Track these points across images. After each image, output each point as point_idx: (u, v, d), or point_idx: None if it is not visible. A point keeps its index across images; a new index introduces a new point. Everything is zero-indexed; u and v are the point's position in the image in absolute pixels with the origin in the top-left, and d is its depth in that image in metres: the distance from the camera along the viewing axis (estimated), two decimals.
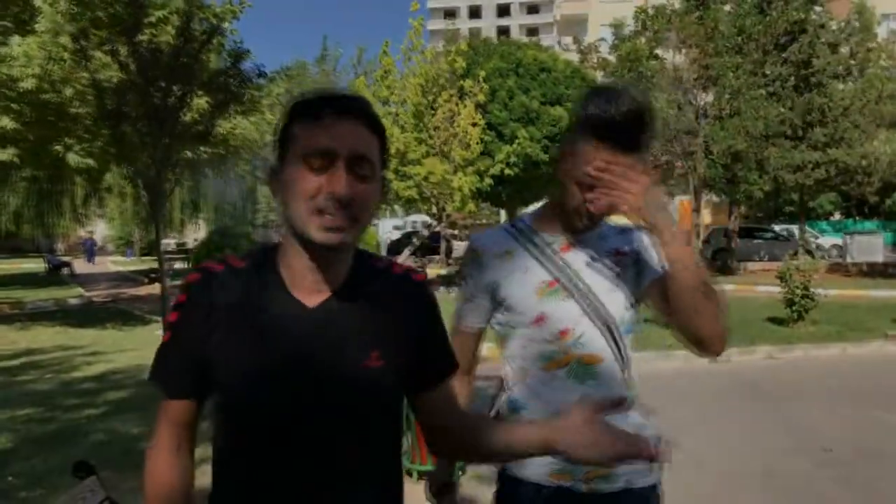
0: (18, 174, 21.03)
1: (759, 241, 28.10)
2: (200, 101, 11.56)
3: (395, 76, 17.32)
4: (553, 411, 1.64)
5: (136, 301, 17.47)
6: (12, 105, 10.59)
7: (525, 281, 1.70)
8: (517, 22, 74.84)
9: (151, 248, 24.27)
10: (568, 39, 35.77)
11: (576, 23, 53.57)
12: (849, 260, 25.70)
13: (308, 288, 1.22)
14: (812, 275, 11.01)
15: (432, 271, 22.68)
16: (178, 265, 24.57)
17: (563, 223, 1.72)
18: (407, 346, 1.27)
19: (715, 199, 32.55)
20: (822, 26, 23.66)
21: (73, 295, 19.29)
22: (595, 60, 25.03)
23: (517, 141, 17.39)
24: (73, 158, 11.34)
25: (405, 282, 1.31)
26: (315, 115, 1.15)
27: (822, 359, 9.61)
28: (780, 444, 5.86)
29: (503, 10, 76.03)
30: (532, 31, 71.80)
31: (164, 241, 38.93)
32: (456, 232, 35.14)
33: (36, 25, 10.23)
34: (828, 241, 30.90)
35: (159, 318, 12.05)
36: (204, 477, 1.33)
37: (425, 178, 16.04)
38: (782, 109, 22.01)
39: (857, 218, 36.70)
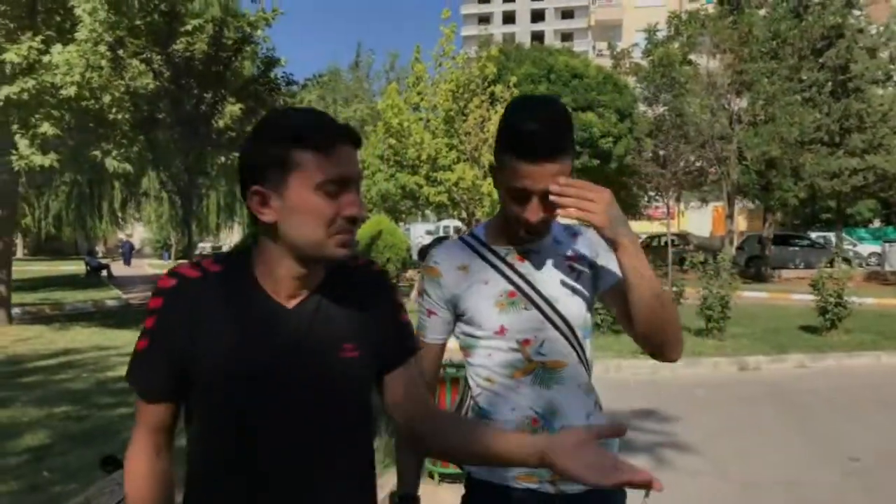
0: (59, 179, 21.60)
1: (795, 248, 27.65)
2: (234, 108, 11.78)
3: (426, 82, 17.42)
4: (521, 416, 1.69)
5: None
6: (53, 112, 10.89)
7: (485, 293, 1.72)
8: (551, 27, 74.56)
9: (187, 252, 24.70)
10: (602, 45, 35.64)
11: (610, 28, 53.38)
12: (887, 268, 25.16)
13: (288, 292, 1.28)
14: (846, 283, 10.84)
15: None
16: None
17: (510, 234, 1.73)
18: (375, 334, 1.35)
19: (750, 205, 32.14)
20: (861, 31, 23.26)
21: (110, 297, 19.69)
22: (628, 66, 24.93)
23: None
24: (110, 163, 11.61)
25: (365, 273, 1.39)
26: (328, 145, 1.22)
27: (854, 368, 9.47)
28: (807, 454, 5.80)
29: (537, 16, 75.80)
30: (566, 36, 71.50)
31: (201, 245, 39.69)
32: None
33: (76, 34, 10.51)
34: (866, 248, 30.28)
35: None
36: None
37: (455, 184, 16.10)
38: (818, 115, 21.68)
39: None
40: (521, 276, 1.71)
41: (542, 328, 1.69)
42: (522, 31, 72.27)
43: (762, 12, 22.74)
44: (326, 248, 1.23)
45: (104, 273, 26.89)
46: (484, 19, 75.82)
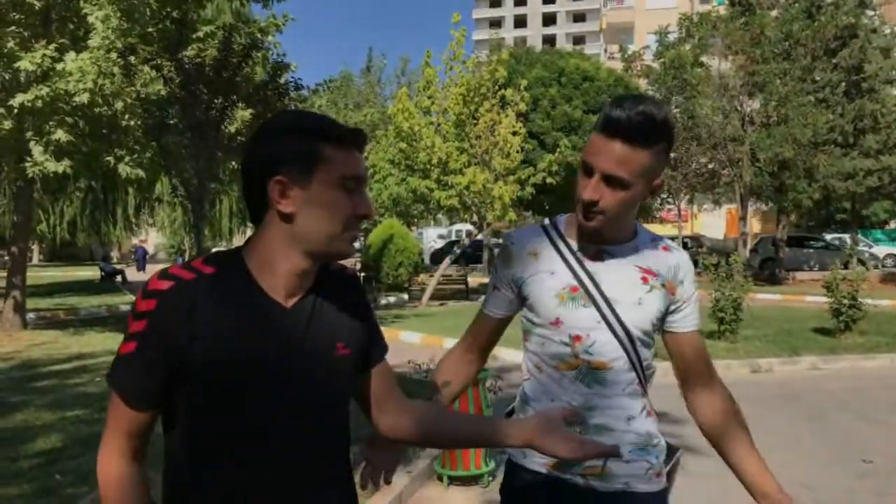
0: (74, 185, 21.79)
1: (810, 250, 27.46)
2: (244, 114, 11.85)
3: (436, 86, 17.44)
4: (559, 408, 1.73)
5: None
6: (67, 119, 10.99)
7: (549, 283, 1.74)
8: (563, 31, 74.54)
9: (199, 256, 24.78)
10: (614, 48, 35.59)
11: (622, 31, 53.22)
12: None
13: (286, 291, 1.30)
14: (860, 284, 10.75)
15: (474, 280, 22.68)
16: None
17: (584, 232, 1.75)
18: (360, 333, 1.40)
19: (763, 207, 31.96)
20: (874, 30, 23.13)
21: (125, 302, 19.81)
22: (639, 68, 24.87)
23: (559, 150, 17.34)
24: (123, 169, 11.70)
25: (343, 277, 1.43)
26: (351, 142, 1.29)
27: (868, 370, 9.39)
28: (820, 456, 5.77)
29: (549, 19, 75.83)
30: (578, 39, 71.47)
31: (215, 249, 39.72)
32: (500, 241, 35.10)
33: (89, 41, 10.61)
34: (882, 250, 30.00)
35: None
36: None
37: (466, 188, 16.10)
38: (832, 116, 21.53)
39: None
40: (587, 272, 1.72)
41: (596, 327, 1.70)
42: (534, 34, 72.29)
43: (774, 13, 22.62)
44: (340, 242, 1.28)
45: (118, 278, 27.07)
46: (495, 23, 75.92)
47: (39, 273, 30.81)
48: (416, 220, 34.40)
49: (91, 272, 30.39)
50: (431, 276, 19.73)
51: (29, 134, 10.99)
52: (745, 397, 7.30)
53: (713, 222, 38.61)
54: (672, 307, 1.76)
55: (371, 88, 33.35)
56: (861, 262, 21.94)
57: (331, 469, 1.34)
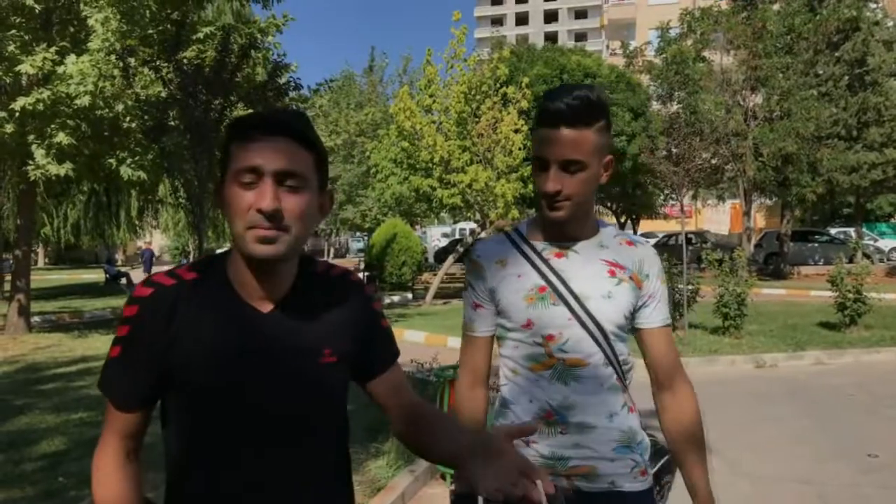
0: (76, 188, 21.82)
1: (814, 244, 27.36)
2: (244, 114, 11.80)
3: (438, 85, 17.41)
4: (538, 408, 1.71)
5: None
6: (68, 121, 11.00)
7: (516, 286, 1.74)
8: (565, 28, 74.46)
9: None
10: (615, 44, 35.53)
11: (624, 27, 53.13)
12: None
13: (260, 296, 1.28)
14: (865, 278, 10.71)
15: None
16: None
17: (546, 227, 1.77)
18: (353, 342, 1.36)
19: (768, 202, 31.88)
20: (877, 23, 23.02)
21: None
22: (641, 64, 24.81)
23: None
24: (125, 171, 11.70)
25: (344, 283, 1.39)
26: (246, 135, 1.22)
27: (873, 364, 9.34)
28: (824, 450, 5.74)
29: (550, 17, 75.75)
30: (580, 36, 71.38)
31: (219, 251, 39.79)
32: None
33: (89, 44, 10.62)
34: (887, 243, 29.86)
35: None
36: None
37: (469, 186, 16.08)
38: (835, 110, 21.46)
39: None
40: (554, 271, 1.72)
41: (567, 325, 1.69)
42: (536, 32, 72.24)
43: (776, 7, 22.55)
44: (245, 243, 1.21)
45: (123, 281, 27.10)
46: (497, 21, 75.88)
47: (44, 276, 30.91)
48: (419, 218, 34.38)
49: (96, 275, 30.44)
50: (435, 274, 19.73)
51: (31, 137, 11.00)
52: (750, 393, 7.31)
53: (717, 218, 38.54)
54: (639, 302, 1.76)
55: (373, 88, 33.30)
56: (866, 255, 21.80)
57: (320, 470, 1.33)
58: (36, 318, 14.33)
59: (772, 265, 24.54)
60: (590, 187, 1.68)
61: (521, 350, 1.75)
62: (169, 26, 11.77)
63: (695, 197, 25.42)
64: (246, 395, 1.24)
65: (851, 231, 28.35)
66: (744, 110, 21.90)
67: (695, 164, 17.83)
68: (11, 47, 10.60)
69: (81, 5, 10.87)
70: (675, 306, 11.14)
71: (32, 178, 11.22)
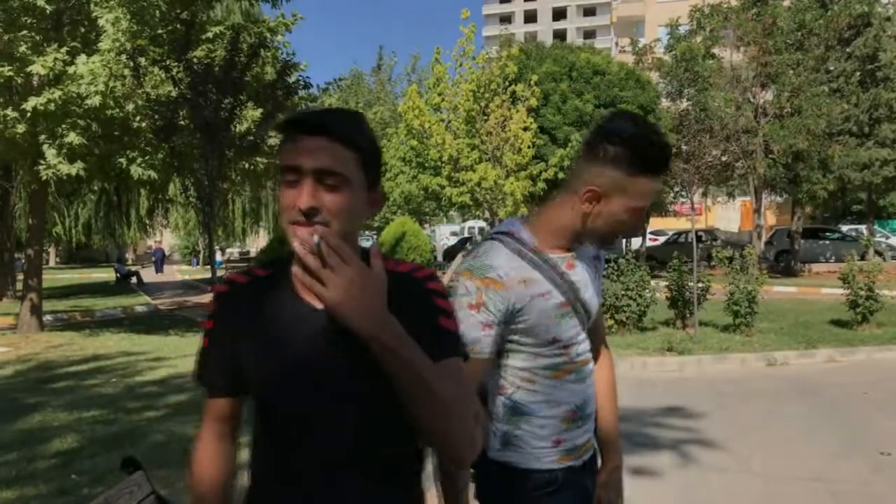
0: (87, 187, 21.94)
1: (826, 242, 27.18)
2: (254, 113, 11.87)
3: (447, 83, 17.40)
4: (564, 411, 1.78)
5: (200, 308, 17.95)
6: (79, 121, 11.06)
7: (543, 306, 1.73)
8: (573, 25, 74.27)
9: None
10: (625, 41, 35.43)
11: (633, 24, 52.98)
12: None
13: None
14: (876, 275, 10.64)
15: None
16: None
17: (563, 239, 1.78)
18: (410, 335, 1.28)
19: (778, 199, 31.71)
20: (889, 19, 22.88)
21: (139, 303, 19.96)
22: (650, 61, 24.72)
23: (570, 145, 17.26)
24: (136, 171, 11.76)
25: (410, 279, 1.36)
26: (291, 135, 1.26)
27: (886, 361, 9.29)
28: (835, 448, 5.71)
29: (559, 14, 75.54)
30: (589, 33, 71.20)
31: (228, 250, 40.00)
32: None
33: (100, 44, 10.67)
34: None
35: None
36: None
37: (478, 184, 16.07)
38: (846, 106, 21.33)
39: None
40: (570, 285, 1.77)
41: (580, 333, 1.81)
42: (544, 29, 72.09)
43: (786, 3, 22.44)
44: (290, 239, 1.23)
45: (133, 280, 27.26)
46: (505, 19, 75.69)
47: (56, 275, 31.07)
48: (428, 217, 34.37)
49: (107, 274, 30.62)
50: (444, 273, 19.71)
51: (42, 137, 11.07)
52: (761, 391, 7.28)
53: (728, 215, 38.37)
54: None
55: (381, 86, 33.39)
56: (878, 252, 21.67)
57: (379, 466, 1.31)
58: (48, 317, 14.43)
59: (783, 262, 24.42)
60: None
61: (540, 361, 1.77)
62: (179, 26, 11.82)
63: (705, 194, 25.31)
64: (299, 385, 1.28)
65: (863, 228, 28.17)
66: (754, 107, 21.80)
67: (705, 162, 17.70)
68: (23, 48, 10.67)
69: (92, 6, 10.92)
70: (686, 304, 11.12)
71: (44, 177, 11.30)
